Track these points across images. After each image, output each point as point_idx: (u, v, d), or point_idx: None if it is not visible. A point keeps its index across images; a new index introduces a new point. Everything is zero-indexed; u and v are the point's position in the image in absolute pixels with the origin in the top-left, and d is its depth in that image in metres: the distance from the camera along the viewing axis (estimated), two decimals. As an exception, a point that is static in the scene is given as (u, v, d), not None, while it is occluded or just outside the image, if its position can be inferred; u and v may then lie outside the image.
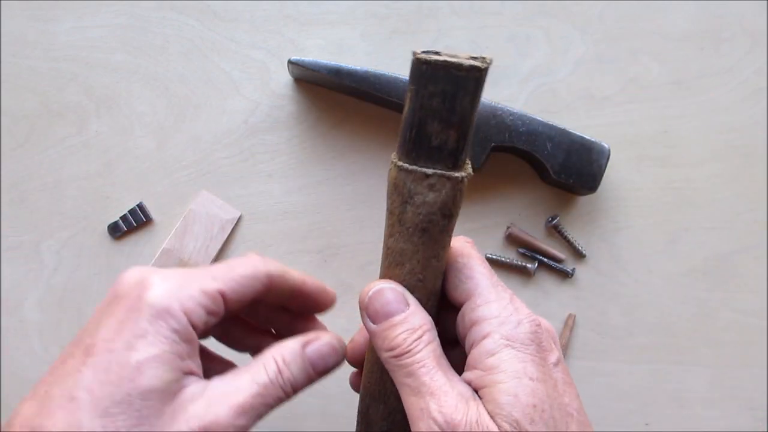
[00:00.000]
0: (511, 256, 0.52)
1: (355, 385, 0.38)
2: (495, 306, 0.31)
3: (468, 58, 0.29)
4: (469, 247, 0.34)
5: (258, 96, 0.52)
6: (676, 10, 0.53)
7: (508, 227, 0.52)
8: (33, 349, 0.52)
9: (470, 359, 0.30)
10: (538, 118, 0.49)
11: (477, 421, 0.28)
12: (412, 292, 0.32)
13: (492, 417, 0.28)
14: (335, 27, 0.53)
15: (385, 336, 0.31)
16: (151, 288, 0.29)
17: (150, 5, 0.52)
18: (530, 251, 0.52)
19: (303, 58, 0.49)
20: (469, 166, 0.31)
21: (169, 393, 0.28)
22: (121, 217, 0.52)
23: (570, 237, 0.51)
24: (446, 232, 0.31)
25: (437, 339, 0.31)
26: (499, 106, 0.49)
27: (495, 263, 0.52)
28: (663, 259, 0.52)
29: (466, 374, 0.30)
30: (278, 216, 0.52)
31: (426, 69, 0.28)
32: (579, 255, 0.52)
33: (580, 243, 0.52)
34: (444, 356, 0.31)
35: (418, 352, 0.30)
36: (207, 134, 0.52)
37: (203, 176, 0.52)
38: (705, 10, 0.53)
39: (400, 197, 0.31)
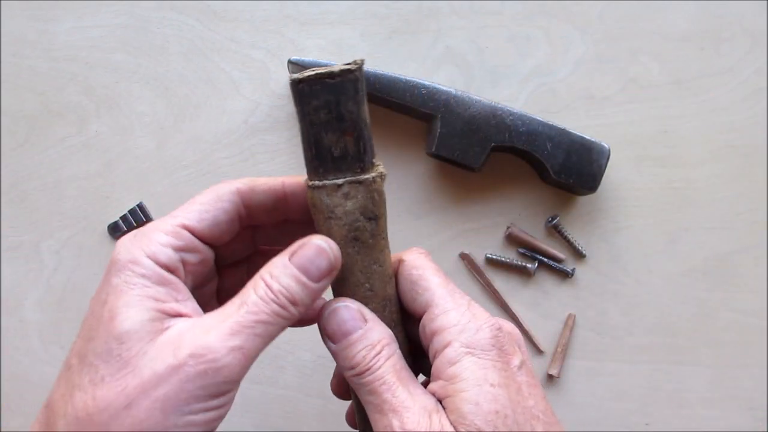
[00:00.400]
0: (511, 256, 0.52)
1: (337, 392, 0.38)
2: (453, 314, 0.31)
3: (341, 65, 0.29)
4: (423, 258, 0.33)
5: (258, 96, 0.52)
6: (676, 10, 0.53)
7: (508, 227, 0.52)
8: (33, 349, 0.52)
9: (434, 369, 0.30)
10: (538, 118, 0.49)
11: None
12: (366, 304, 0.31)
13: (455, 426, 0.28)
14: (335, 27, 0.53)
15: (345, 355, 0.30)
16: (117, 247, 0.29)
17: (150, 5, 0.52)
18: (530, 251, 0.52)
19: (303, 58, 0.49)
20: (381, 165, 0.31)
21: (148, 332, 0.27)
22: (121, 217, 0.52)
23: (570, 237, 0.51)
24: (378, 235, 0.31)
25: (398, 351, 0.31)
26: (499, 106, 0.49)
27: (495, 263, 0.52)
28: (663, 259, 0.52)
29: (431, 385, 0.30)
30: (278, 216, 0.52)
31: (303, 87, 0.29)
32: (579, 255, 0.52)
33: (580, 243, 0.52)
34: (406, 368, 0.31)
35: (378, 368, 0.30)
36: (207, 134, 0.52)
37: (203, 176, 0.52)
38: (705, 10, 0.53)
39: (321, 215, 0.31)
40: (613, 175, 0.52)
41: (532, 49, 0.53)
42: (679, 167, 0.53)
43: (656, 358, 0.51)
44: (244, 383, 0.52)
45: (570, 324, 0.51)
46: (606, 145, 0.49)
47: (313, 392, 0.51)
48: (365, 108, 0.30)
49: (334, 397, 0.51)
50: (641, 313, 0.52)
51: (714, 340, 0.52)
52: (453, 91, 0.49)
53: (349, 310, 0.31)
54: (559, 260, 0.52)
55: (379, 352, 0.30)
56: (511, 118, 0.49)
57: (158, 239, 0.29)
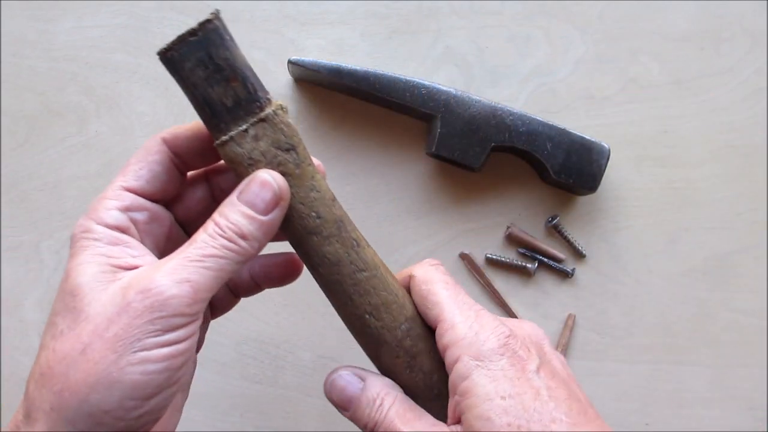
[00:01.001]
0: (511, 256, 0.52)
1: None
2: (461, 327, 0.31)
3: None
4: (432, 271, 0.34)
5: (258, 96, 0.52)
6: (676, 10, 0.53)
7: (508, 227, 0.52)
8: (33, 349, 0.51)
9: (450, 385, 0.31)
10: (538, 118, 0.49)
11: None
12: (319, 231, 0.32)
13: None
14: (335, 27, 0.53)
15: (356, 419, 0.32)
16: (74, 228, 0.31)
17: (150, 5, 0.52)
18: (530, 251, 0.52)
19: (303, 58, 0.49)
20: (273, 99, 0.32)
21: (100, 282, 0.28)
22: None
23: (570, 237, 0.51)
24: (303, 163, 0.32)
25: (399, 396, 0.32)
26: (499, 106, 0.49)
27: (495, 263, 0.52)
28: (663, 259, 0.52)
29: (450, 401, 0.31)
30: (278, 216, 0.52)
31: (173, 54, 0.30)
32: (579, 255, 0.52)
33: (580, 243, 0.52)
34: (409, 408, 0.32)
35: (383, 420, 0.31)
36: (207, 134, 0.52)
37: (203, 176, 0.52)
38: (705, 10, 0.53)
39: (242, 166, 0.31)
40: (613, 175, 0.52)
41: (532, 49, 0.53)
42: (679, 167, 0.53)
43: (656, 358, 0.51)
44: (244, 383, 0.52)
45: (570, 324, 0.51)
46: (606, 145, 0.49)
47: (313, 392, 0.51)
48: (239, 51, 0.31)
49: (334, 397, 0.51)
50: (641, 313, 0.52)
51: (714, 340, 0.52)
52: (453, 91, 0.49)
53: (346, 376, 0.33)
54: (559, 260, 0.52)
55: (381, 404, 0.32)
56: (511, 118, 0.49)
57: (103, 206, 0.30)
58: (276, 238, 0.33)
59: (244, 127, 0.31)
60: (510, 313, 0.51)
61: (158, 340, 0.27)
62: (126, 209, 0.31)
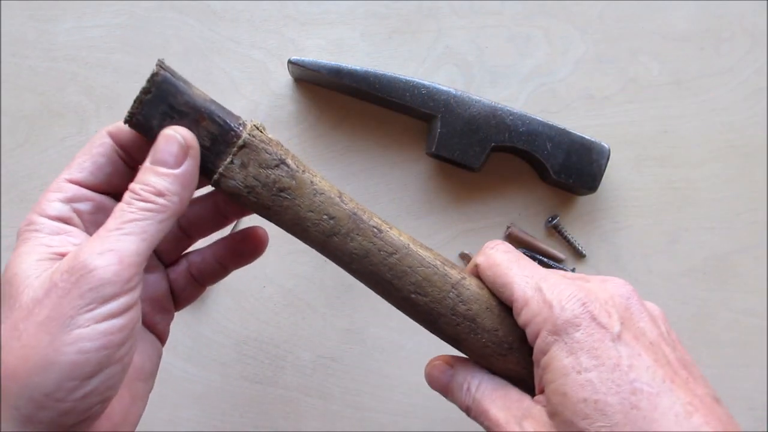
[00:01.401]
0: (511, 256, 0.52)
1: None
2: (534, 304, 0.31)
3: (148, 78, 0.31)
4: (493, 254, 0.34)
5: (258, 96, 0.52)
6: (676, 10, 0.53)
7: (508, 227, 0.52)
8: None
9: (534, 358, 0.31)
10: (538, 118, 0.49)
11: None
12: (336, 233, 0.32)
13: (550, 418, 0.29)
14: (335, 27, 0.53)
15: (456, 404, 0.35)
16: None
17: (150, 5, 0.52)
18: (530, 251, 0.52)
19: (303, 58, 0.49)
20: (248, 121, 0.32)
21: (35, 270, 0.28)
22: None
23: (570, 237, 0.51)
24: (297, 172, 0.32)
25: (483, 376, 0.34)
26: (499, 106, 0.49)
27: (495, 263, 0.52)
28: (663, 259, 0.52)
29: (536, 372, 0.31)
30: (278, 216, 0.52)
31: (138, 119, 0.31)
32: (579, 255, 0.52)
33: (580, 243, 0.52)
34: (495, 387, 0.33)
35: (473, 402, 0.33)
36: (207, 134, 0.52)
37: (203, 176, 0.52)
38: (705, 10, 0.53)
39: (242, 196, 0.32)
40: (613, 175, 0.52)
41: (532, 49, 0.53)
42: (679, 167, 0.53)
43: (656, 358, 0.51)
44: (243, 383, 0.52)
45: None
46: (606, 145, 0.49)
47: (313, 392, 0.51)
48: (196, 90, 0.31)
49: (334, 397, 0.51)
50: (641, 313, 0.52)
51: (714, 340, 0.52)
52: (453, 91, 0.49)
53: (437, 367, 0.36)
54: (559, 260, 0.52)
55: (468, 389, 0.34)
56: (511, 118, 0.49)
57: (46, 198, 0.31)
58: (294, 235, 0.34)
59: (229, 159, 0.31)
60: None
61: (92, 315, 0.26)
62: (68, 200, 0.31)
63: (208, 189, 0.36)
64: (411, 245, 0.33)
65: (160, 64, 0.31)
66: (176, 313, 0.50)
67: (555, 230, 0.52)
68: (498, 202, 0.52)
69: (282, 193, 0.32)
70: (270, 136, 0.32)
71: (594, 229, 0.52)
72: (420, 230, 0.52)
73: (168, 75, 0.31)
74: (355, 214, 0.33)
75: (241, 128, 0.31)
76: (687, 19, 0.53)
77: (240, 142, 0.31)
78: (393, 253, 0.33)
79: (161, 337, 0.36)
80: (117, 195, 0.33)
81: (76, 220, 0.31)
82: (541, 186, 0.52)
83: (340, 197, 0.33)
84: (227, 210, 0.36)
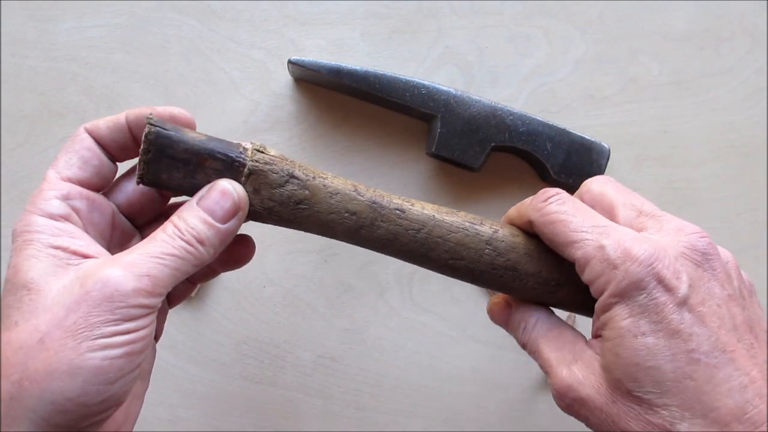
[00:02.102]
0: (511, 256, 0.52)
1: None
2: (595, 265, 0.29)
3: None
4: (547, 210, 0.32)
5: (258, 96, 0.52)
6: (676, 10, 0.53)
7: (508, 227, 0.52)
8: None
9: (595, 310, 0.31)
10: (538, 118, 0.49)
11: (579, 383, 0.30)
12: (359, 228, 0.33)
13: (603, 372, 0.29)
14: (335, 27, 0.53)
15: (515, 338, 0.36)
16: (16, 223, 0.31)
17: (150, 5, 0.52)
18: (530, 251, 0.52)
19: (303, 58, 0.49)
20: (248, 145, 0.33)
21: (53, 275, 0.28)
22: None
23: (570, 237, 0.51)
24: (308, 181, 0.33)
25: (540, 315, 0.34)
26: (499, 106, 0.49)
27: (495, 263, 0.52)
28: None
29: (593, 323, 0.31)
30: (278, 216, 0.52)
31: (149, 178, 0.32)
32: (579, 255, 0.52)
33: (580, 243, 0.52)
34: (552, 325, 0.34)
35: (529, 341, 0.34)
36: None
37: (203, 176, 0.52)
38: (705, 10, 0.53)
39: (268, 218, 0.33)
40: (613, 175, 0.52)
41: (532, 49, 0.53)
42: (679, 167, 0.53)
43: (656, 358, 0.51)
44: (243, 383, 0.52)
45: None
46: (606, 145, 0.49)
47: (313, 392, 0.51)
48: (189, 133, 0.32)
49: (334, 397, 0.51)
50: (641, 313, 0.52)
51: (714, 340, 0.52)
52: (453, 91, 0.49)
53: (497, 305, 0.37)
54: (559, 260, 0.52)
55: (525, 327, 0.34)
56: (511, 118, 0.49)
57: (42, 197, 0.31)
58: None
59: (243, 186, 0.32)
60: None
61: (117, 328, 0.27)
62: (65, 198, 0.31)
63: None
64: (436, 215, 0.34)
65: (150, 121, 0.31)
66: (176, 314, 0.51)
67: (555, 230, 0.52)
68: (498, 202, 0.52)
69: (300, 206, 0.33)
70: (273, 153, 0.33)
71: (594, 229, 0.52)
72: (420, 230, 0.52)
73: (159, 129, 0.31)
74: (374, 202, 0.33)
75: (243, 156, 0.32)
76: (687, 19, 0.53)
77: (246, 170, 0.32)
78: (420, 229, 0.34)
79: (156, 335, 0.36)
80: (108, 193, 0.34)
81: (75, 217, 0.31)
82: (541, 186, 0.52)
83: (355, 191, 0.33)
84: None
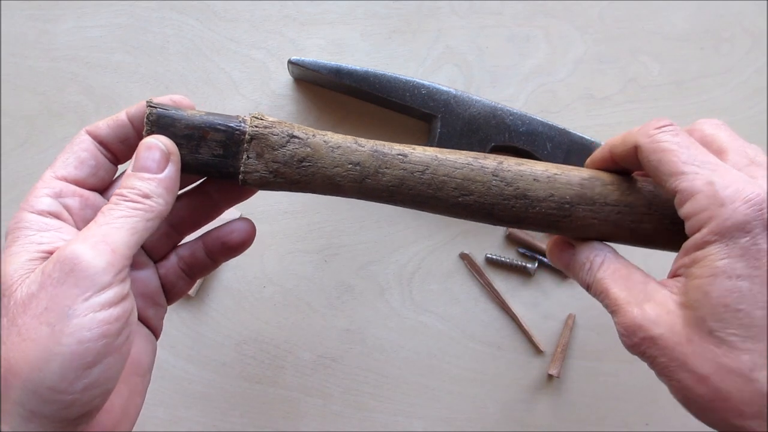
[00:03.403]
0: (511, 256, 0.52)
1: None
2: (701, 200, 0.29)
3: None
4: (660, 138, 0.31)
5: (258, 96, 0.52)
6: (676, 10, 0.53)
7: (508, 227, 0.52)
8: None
9: (684, 246, 0.30)
10: (538, 118, 0.49)
11: (651, 321, 0.29)
12: (366, 174, 0.34)
13: (681, 308, 0.29)
14: (335, 27, 0.53)
15: (576, 280, 0.35)
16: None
17: (150, 5, 0.52)
18: (530, 251, 0.52)
19: (303, 58, 0.49)
20: (247, 115, 0.33)
21: (29, 269, 0.28)
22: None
23: (570, 237, 0.51)
24: (309, 138, 0.33)
25: (607, 254, 0.34)
26: (499, 106, 0.49)
27: (495, 263, 0.52)
28: (663, 259, 0.52)
29: (676, 260, 0.31)
30: (278, 216, 0.52)
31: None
32: (579, 255, 0.52)
33: (580, 243, 0.52)
34: (620, 266, 0.33)
35: (593, 282, 0.33)
36: (207, 134, 0.52)
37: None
38: (705, 10, 0.53)
39: (273, 182, 0.33)
40: (613, 175, 0.52)
41: (532, 49, 0.53)
42: (679, 167, 0.52)
43: (656, 358, 0.51)
44: (243, 383, 0.52)
45: (570, 324, 0.51)
46: (606, 145, 0.49)
47: (313, 392, 0.51)
48: (188, 111, 0.33)
49: (334, 397, 0.51)
50: (641, 313, 0.52)
51: (714, 340, 0.52)
52: (453, 91, 0.49)
53: (558, 245, 0.36)
54: (559, 260, 0.52)
55: (590, 267, 0.34)
56: (511, 118, 0.49)
57: (35, 194, 0.31)
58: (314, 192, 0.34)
59: (245, 156, 0.33)
60: (510, 314, 0.51)
61: (89, 304, 0.27)
62: (57, 195, 0.31)
63: (195, 184, 0.37)
64: (439, 155, 0.34)
65: (149, 103, 0.32)
66: (176, 314, 0.51)
67: (555, 230, 0.52)
68: (498, 202, 0.52)
69: (303, 163, 0.33)
70: (271, 119, 0.33)
71: (594, 229, 0.52)
72: (420, 230, 0.52)
73: (160, 110, 0.32)
74: (376, 150, 0.34)
75: (243, 124, 0.33)
76: (687, 19, 0.53)
77: (247, 137, 0.32)
78: (425, 170, 0.34)
79: (155, 332, 0.36)
80: (104, 191, 0.34)
81: (66, 215, 0.31)
82: (541, 186, 0.52)
83: (356, 142, 0.34)
84: (220, 199, 0.37)
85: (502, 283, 0.52)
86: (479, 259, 0.52)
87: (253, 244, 0.51)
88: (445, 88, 0.49)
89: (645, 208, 0.34)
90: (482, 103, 0.49)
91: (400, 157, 0.34)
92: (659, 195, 0.34)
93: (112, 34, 0.52)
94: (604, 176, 0.35)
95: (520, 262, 0.51)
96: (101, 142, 0.33)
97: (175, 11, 0.52)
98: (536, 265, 0.51)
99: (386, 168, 0.34)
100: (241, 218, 0.37)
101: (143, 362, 0.34)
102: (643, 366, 0.52)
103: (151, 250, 0.36)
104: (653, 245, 0.35)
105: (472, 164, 0.34)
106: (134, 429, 0.33)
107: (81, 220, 0.32)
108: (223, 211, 0.38)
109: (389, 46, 0.53)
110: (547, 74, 0.53)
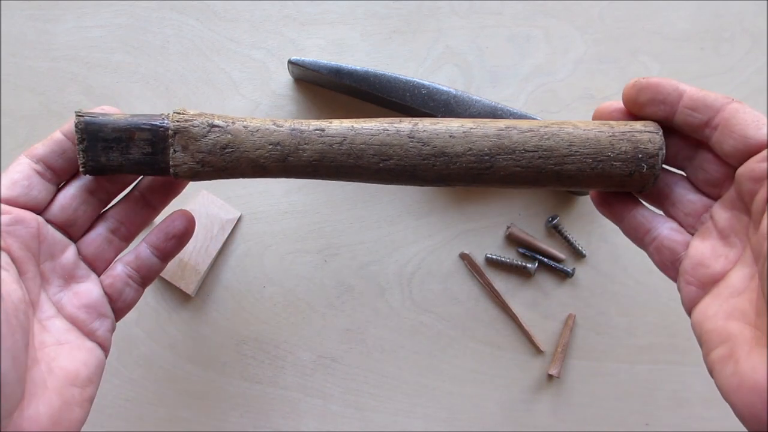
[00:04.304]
0: (511, 256, 0.52)
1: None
2: None
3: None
4: (727, 101, 0.35)
5: (258, 96, 0.52)
6: (676, 10, 0.53)
7: (508, 227, 0.52)
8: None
9: (753, 215, 0.31)
10: (538, 118, 0.49)
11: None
12: (288, 153, 0.35)
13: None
14: (335, 27, 0.53)
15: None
16: None
17: (150, 5, 0.52)
18: (530, 251, 0.52)
19: (303, 58, 0.49)
20: (166, 112, 0.35)
21: None
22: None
23: (570, 237, 0.51)
24: (230, 125, 0.34)
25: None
26: (500, 106, 0.49)
27: (495, 263, 0.52)
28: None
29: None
30: (278, 216, 0.52)
31: (91, 165, 0.34)
32: (579, 255, 0.52)
33: (580, 243, 0.52)
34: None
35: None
36: (207, 134, 0.52)
37: (203, 176, 0.52)
38: (705, 10, 0.53)
39: (202, 172, 0.34)
40: (613, 175, 0.52)
41: (532, 49, 0.53)
42: (679, 167, 0.52)
43: (656, 358, 0.51)
44: (243, 383, 0.52)
45: (570, 324, 0.51)
46: (606, 145, 0.49)
47: (313, 392, 0.51)
48: (114, 115, 0.34)
49: (334, 397, 0.51)
50: (641, 313, 0.52)
51: (714, 340, 0.52)
52: (453, 91, 0.49)
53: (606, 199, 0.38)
54: (559, 260, 0.52)
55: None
56: (511, 118, 0.49)
57: None
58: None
59: (171, 150, 0.34)
60: (510, 314, 0.51)
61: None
62: (7, 213, 0.33)
63: (128, 189, 0.38)
64: (355, 125, 0.35)
65: (77, 113, 0.34)
66: (176, 313, 0.51)
67: (555, 230, 0.52)
68: (498, 202, 0.52)
69: (227, 150, 0.34)
70: (192, 112, 0.35)
71: (594, 229, 0.52)
72: (420, 230, 0.52)
73: (87, 118, 0.34)
74: (294, 129, 0.35)
75: (166, 121, 0.34)
76: (687, 19, 0.53)
77: (171, 132, 0.34)
78: (343, 141, 0.34)
79: (102, 345, 0.36)
80: (42, 211, 0.36)
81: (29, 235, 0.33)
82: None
83: (274, 124, 0.35)
84: (152, 198, 0.38)
85: (502, 283, 0.52)
86: (479, 259, 0.52)
87: (253, 244, 0.51)
88: (445, 88, 0.49)
89: (565, 149, 0.34)
90: (482, 103, 0.49)
91: (317, 132, 0.34)
92: (579, 136, 0.34)
93: (112, 34, 0.52)
94: (521, 124, 0.35)
95: (520, 262, 0.51)
96: (42, 161, 0.35)
97: (175, 11, 0.52)
98: (536, 265, 0.51)
99: (306, 144, 0.34)
100: (179, 210, 0.39)
101: (82, 374, 0.34)
102: (643, 366, 0.52)
103: (93, 261, 0.37)
104: (579, 185, 0.35)
105: (387, 129, 0.35)
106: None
107: (9, 235, 0.33)
108: (160, 211, 0.39)
109: (389, 46, 0.53)
110: (547, 74, 0.53)
